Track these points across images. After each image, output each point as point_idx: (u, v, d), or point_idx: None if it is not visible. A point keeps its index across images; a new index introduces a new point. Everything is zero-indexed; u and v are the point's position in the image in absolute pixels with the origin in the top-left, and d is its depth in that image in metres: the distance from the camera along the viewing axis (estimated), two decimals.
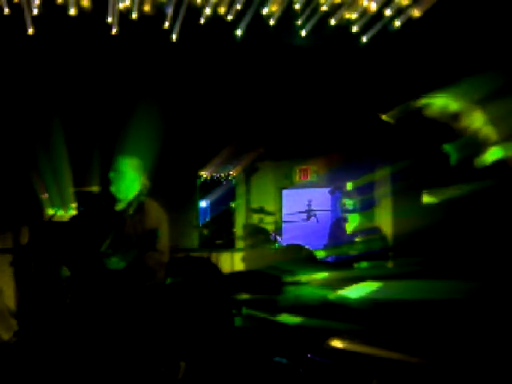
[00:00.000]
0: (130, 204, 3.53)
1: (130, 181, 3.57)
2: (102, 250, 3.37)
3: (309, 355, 3.34)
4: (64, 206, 5.77)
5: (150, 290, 3.38)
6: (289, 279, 4.40)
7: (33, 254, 4.69)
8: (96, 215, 3.74)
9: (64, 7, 4.76)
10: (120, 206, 3.57)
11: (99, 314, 3.28)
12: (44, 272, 4.23)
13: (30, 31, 4.90)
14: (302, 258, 5.39)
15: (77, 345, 3.26)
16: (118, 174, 3.56)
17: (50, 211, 5.65)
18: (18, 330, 4.09)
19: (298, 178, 7.55)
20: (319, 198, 6.89)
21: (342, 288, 4.25)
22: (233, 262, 6.63)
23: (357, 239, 5.51)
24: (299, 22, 5.12)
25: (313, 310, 3.85)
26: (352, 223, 5.53)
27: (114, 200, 3.59)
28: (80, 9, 4.79)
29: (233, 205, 7.40)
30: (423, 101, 3.37)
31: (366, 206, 5.74)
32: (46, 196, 5.73)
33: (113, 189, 3.56)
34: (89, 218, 3.91)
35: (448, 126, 3.32)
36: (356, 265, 5.29)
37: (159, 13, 4.97)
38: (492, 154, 3.12)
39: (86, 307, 3.34)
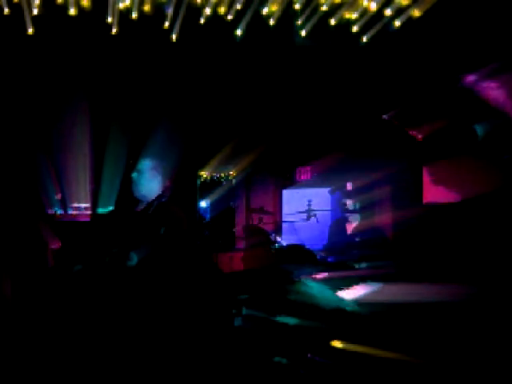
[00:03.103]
0: (150, 204, 3.57)
1: (152, 182, 3.61)
2: (118, 247, 3.41)
3: (309, 355, 3.34)
4: (67, 204, 5.78)
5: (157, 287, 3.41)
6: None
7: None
8: (118, 215, 3.78)
9: (64, 7, 4.77)
10: (141, 206, 3.60)
11: (110, 310, 3.30)
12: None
13: (30, 31, 4.90)
14: (302, 258, 5.40)
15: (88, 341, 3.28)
16: (140, 175, 3.60)
17: (52, 210, 5.65)
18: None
19: (297, 177, 7.55)
20: (319, 198, 6.89)
21: (341, 288, 4.25)
22: (233, 261, 6.63)
23: (357, 239, 5.51)
24: (299, 22, 5.12)
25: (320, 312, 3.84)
26: (352, 223, 5.54)
27: (135, 200, 3.63)
28: (80, 9, 4.79)
29: (233, 205, 7.40)
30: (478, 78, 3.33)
31: (366, 206, 5.74)
32: (59, 196, 5.74)
33: (134, 189, 3.61)
34: (110, 217, 3.94)
35: (486, 107, 3.30)
36: (356, 265, 5.29)
37: (159, 13, 4.97)
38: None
39: (98, 302, 3.36)
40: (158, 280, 3.46)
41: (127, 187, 3.65)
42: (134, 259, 3.34)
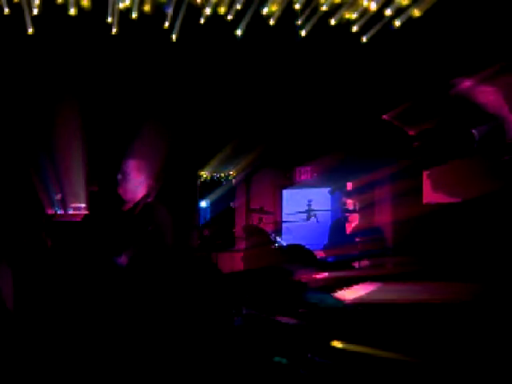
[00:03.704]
0: (136, 205, 3.55)
1: (137, 183, 3.59)
2: (107, 249, 3.40)
3: (309, 355, 3.34)
4: (66, 205, 5.78)
5: (150, 288, 3.40)
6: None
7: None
8: (104, 215, 3.77)
9: (64, 7, 4.77)
10: (127, 207, 3.59)
11: (102, 311, 3.30)
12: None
13: (30, 31, 4.91)
14: (302, 258, 5.39)
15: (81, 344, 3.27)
16: (125, 176, 3.58)
17: (51, 210, 5.65)
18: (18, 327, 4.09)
19: (297, 177, 7.56)
20: (319, 198, 6.89)
21: (341, 288, 4.25)
22: (233, 261, 6.63)
23: (357, 239, 5.51)
24: (299, 22, 5.12)
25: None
26: (352, 223, 5.54)
27: (120, 201, 3.61)
28: (80, 9, 4.79)
29: (233, 205, 7.40)
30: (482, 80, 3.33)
31: (366, 206, 5.74)
32: (59, 196, 5.74)
33: (120, 190, 3.59)
34: (97, 218, 3.93)
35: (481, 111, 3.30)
36: (356, 265, 5.29)
37: (159, 13, 4.98)
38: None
39: (89, 304, 3.35)
40: (156, 280, 3.46)
41: (113, 187, 3.63)
42: (124, 259, 3.34)
